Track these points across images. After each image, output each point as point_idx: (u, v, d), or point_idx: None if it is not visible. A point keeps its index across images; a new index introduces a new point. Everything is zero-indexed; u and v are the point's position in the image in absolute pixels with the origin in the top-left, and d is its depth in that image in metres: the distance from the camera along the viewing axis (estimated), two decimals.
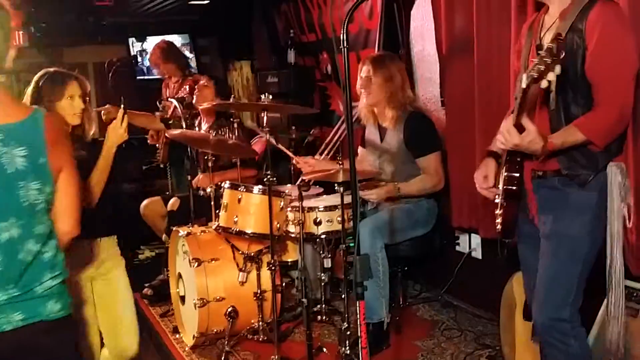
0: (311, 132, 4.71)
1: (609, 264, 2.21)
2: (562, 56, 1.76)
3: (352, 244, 3.41)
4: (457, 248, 3.90)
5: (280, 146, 3.58)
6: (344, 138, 4.54)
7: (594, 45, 2.03)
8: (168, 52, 5.14)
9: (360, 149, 3.80)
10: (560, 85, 2.07)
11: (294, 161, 3.60)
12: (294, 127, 4.12)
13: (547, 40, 2.15)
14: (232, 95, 3.87)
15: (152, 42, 6.68)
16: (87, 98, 2.75)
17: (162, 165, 4.95)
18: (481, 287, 3.64)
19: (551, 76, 1.78)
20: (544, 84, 1.82)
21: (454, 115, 3.59)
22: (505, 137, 2.01)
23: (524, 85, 1.89)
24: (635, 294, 2.59)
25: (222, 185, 3.35)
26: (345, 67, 1.95)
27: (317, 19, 4.97)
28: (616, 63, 2.05)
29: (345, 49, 1.94)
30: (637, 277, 2.57)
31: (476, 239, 3.75)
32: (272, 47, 5.82)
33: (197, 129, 4.38)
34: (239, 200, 3.18)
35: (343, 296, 3.19)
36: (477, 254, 3.78)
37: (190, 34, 6.73)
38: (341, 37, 1.93)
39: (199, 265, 3.25)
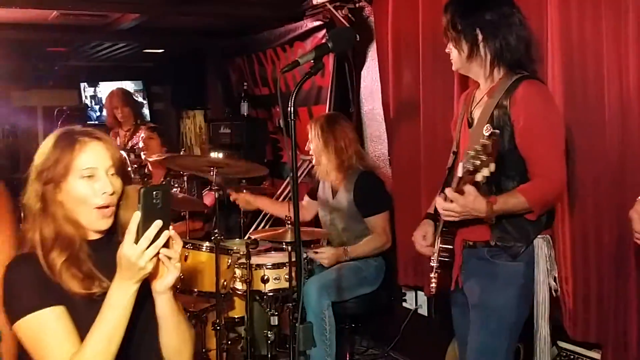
0: (262, 185, 4.73)
1: (536, 333, 2.28)
2: (497, 153, 1.84)
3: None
4: (404, 305, 3.94)
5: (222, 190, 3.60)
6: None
7: (523, 123, 2.13)
8: (128, 96, 5.17)
9: (305, 197, 3.83)
10: None
11: (231, 198, 3.66)
12: (244, 181, 4.13)
13: (476, 115, 2.28)
14: (182, 148, 3.88)
15: (104, 87, 6.68)
16: (127, 175, 1.69)
17: None
18: (427, 343, 3.67)
19: (486, 172, 1.86)
20: (478, 177, 1.89)
21: (400, 175, 3.68)
22: (450, 205, 2.03)
23: (460, 175, 1.96)
24: (572, 357, 2.67)
25: None
26: (292, 141, 1.99)
27: (271, 73, 5.06)
28: (546, 138, 2.16)
29: (293, 122, 1.98)
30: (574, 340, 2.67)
31: (422, 296, 3.80)
32: (226, 98, 5.87)
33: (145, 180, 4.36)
34: (186, 258, 3.15)
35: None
36: (423, 310, 3.82)
37: (143, 81, 6.75)
38: (289, 110, 1.97)
39: None
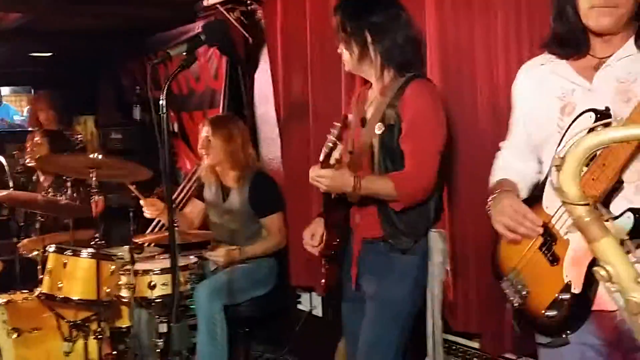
0: (155, 191, 4.59)
1: (430, 325, 2.34)
2: (341, 139, 2.05)
3: (191, 307, 3.35)
4: (299, 306, 3.94)
5: (131, 187, 3.42)
6: (190, 196, 4.50)
7: (408, 119, 2.20)
8: (55, 98, 4.98)
9: (195, 201, 3.76)
10: (383, 155, 2.23)
11: (141, 202, 3.47)
12: (134, 185, 3.99)
13: (369, 114, 2.32)
14: (66, 152, 3.71)
15: None
16: None
17: None
18: (321, 345, 3.67)
19: (336, 154, 2.05)
20: (332, 160, 2.03)
21: (291, 176, 3.69)
22: (321, 179, 2.12)
23: (320, 159, 2.15)
24: (454, 347, 2.75)
25: (47, 249, 3.16)
26: (164, 133, 1.94)
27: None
28: (425, 135, 2.22)
29: (164, 114, 1.93)
30: (457, 332, 2.75)
31: (317, 297, 3.81)
32: (118, 102, 5.70)
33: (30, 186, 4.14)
34: (65, 265, 3.00)
35: None
36: (318, 312, 3.83)
37: (31, 86, 6.43)
38: (160, 103, 1.92)
39: (18, 335, 3.01)
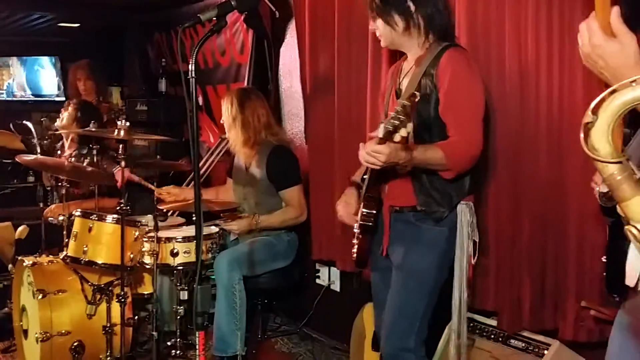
0: (178, 162, 4.64)
1: (456, 297, 2.33)
2: (414, 114, 1.89)
3: (212, 277, 3.40)
4: (318, 281, 3.97)
5: (134, 177, 3.48)
6: (213, 168, 4.53)
7: (446, 87, 2.17)
8: (93, 69, 5.00)
9: (228, 179, 3.81)
10: (417, 127, 2.20)
11: (155, 193, 3.52)
12: (159, 157, 4.04)
13: (404, 85, 2.31)
14: (93, 121, 3.74)
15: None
16: None
17: None
18: (338, 319, 3.71)
19: (403, 132, 1.90)
20: (396, 137, 1.93)
21: (315, 151, 3.70)
22: (374, 155, 2.02)
23: (380, 136, 1.97)
24: (472, 324, 2.76)
25: (74, 213, 3.21)
26: (193, 97, 1.95)
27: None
28: (466, 102, 2.20)
29: (193, 79, 1.94)
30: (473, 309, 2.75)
31: (335, 272, 3.83)
32: (143, 74, 5.73)
33: (59, 153, 4.20)
34: (90, 229, 3.05)
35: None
36: (336, 286, 3.86)
37: (59, 56, 6.48)
38: (189, 68, 1.94)
39: (43, 296, 3.07)
